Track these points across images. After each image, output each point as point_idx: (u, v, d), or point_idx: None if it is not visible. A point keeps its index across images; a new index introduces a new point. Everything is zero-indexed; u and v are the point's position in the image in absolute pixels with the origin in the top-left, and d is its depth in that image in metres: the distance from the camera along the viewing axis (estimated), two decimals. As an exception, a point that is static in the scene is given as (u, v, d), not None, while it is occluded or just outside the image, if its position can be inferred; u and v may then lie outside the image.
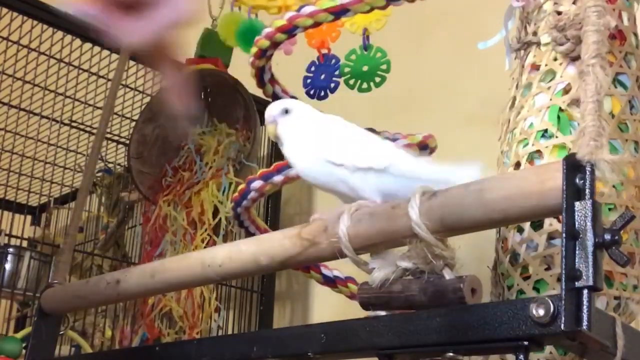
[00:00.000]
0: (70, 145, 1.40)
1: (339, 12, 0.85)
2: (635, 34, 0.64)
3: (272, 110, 0.63)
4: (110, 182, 1.52)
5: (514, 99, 0.66)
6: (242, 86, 1.22)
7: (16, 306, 1.45)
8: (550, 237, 0.58)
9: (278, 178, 0.90)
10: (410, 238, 0.52)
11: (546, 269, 0.58)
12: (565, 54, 0.60)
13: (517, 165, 0.62)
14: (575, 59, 0.60)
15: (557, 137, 0.59)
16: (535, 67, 0.63)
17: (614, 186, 0.58)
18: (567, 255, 0.41)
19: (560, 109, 0.60)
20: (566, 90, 0.60)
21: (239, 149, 1.25)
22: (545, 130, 0.60)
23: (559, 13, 0.62)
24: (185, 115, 0.49)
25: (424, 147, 0.91)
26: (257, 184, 0.89)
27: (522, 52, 0.66)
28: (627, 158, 0.47)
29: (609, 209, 0.58)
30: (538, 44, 0.63)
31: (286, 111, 0.62)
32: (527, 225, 0.59)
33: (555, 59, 0.61)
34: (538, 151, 0.60)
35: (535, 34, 0.64)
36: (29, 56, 1.26)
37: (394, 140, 0.89)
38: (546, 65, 0.62)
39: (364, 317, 0.53)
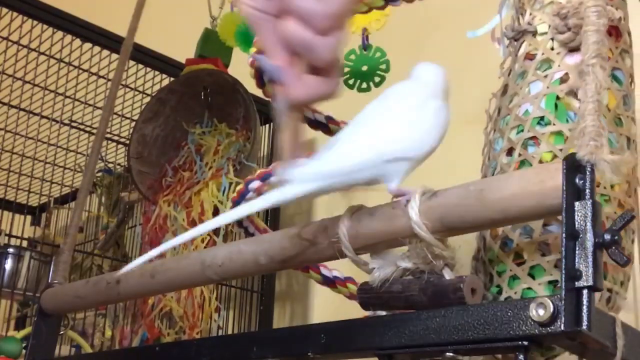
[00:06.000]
0: (70, 145, 1.40)
1: (338, 12, 0.84)
2: (629, 33, 0.64)
3: None
4: (110, 182, 1.52)
5: (506, 86, 0.66)
6: (242, 86, 1.22)
7: (16, 306, 1.45)
8: (546, 223, 0.58)
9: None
10: (410, 238, 0.52)
11: (542, 255, 0.57)
12: (565, 43, 0.60)
13: (510, 151, 0.61)
14: (573, 49, 0.60)
15: (554, 124, 0.59)
16: (530, 56, 0.63)
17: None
18: (567, 255, 0.42)
19: (558, 97, 0.59)
20: (563, 80, 0.60)
21: (239, 149, 1.25)
22: (542, 118, 0.60)
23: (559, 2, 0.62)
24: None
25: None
26: (255, 184, 0.88)
27: (515, 41, 0.66)
28: (627, 158, 0.47)
29: (605, 200, 0.58)
30: (534, 33, 0.63)
31: None
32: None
33: (552, 48, 0.61)
34: (533, 137, 0.60)
35: (530, 23, 0.64)
36: (29, 56, 1.26)
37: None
38: (543, 54, 0.62)
39: (364, 317, 0.53)
